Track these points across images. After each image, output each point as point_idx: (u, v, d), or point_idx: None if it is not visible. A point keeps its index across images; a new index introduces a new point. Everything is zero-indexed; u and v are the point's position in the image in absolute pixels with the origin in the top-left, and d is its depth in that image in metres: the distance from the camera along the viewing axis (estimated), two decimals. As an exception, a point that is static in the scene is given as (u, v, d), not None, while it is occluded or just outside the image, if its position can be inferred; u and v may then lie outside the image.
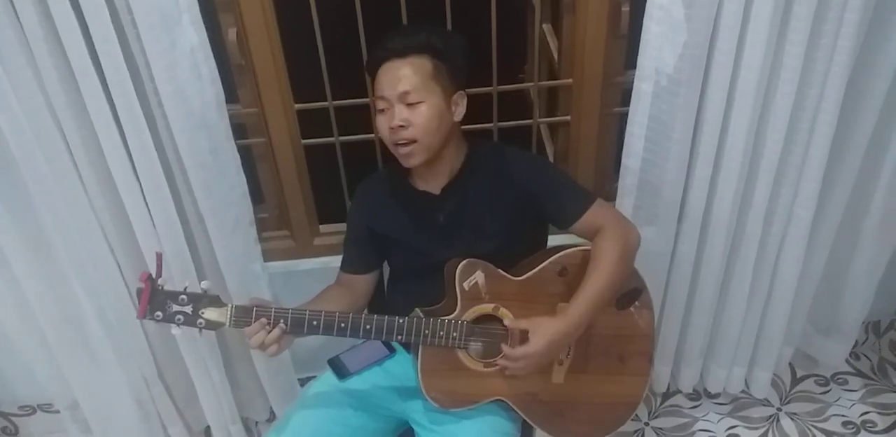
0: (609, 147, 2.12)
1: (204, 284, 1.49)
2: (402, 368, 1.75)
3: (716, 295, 2.13)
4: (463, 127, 1.72)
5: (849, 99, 1.82)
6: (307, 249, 2.18)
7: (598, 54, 1.93)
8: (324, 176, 2.16)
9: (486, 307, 1.61)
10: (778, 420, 2.36)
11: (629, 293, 1.71)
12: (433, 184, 1.69)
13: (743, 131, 1.81)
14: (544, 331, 1.54)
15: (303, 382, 2.29)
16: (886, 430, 2.30)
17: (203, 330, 1.49)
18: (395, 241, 1.75)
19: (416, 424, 1.71)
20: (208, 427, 2.29)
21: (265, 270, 2.06)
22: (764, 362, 2.30)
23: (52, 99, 1.65)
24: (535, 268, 1.63)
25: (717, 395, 2.42)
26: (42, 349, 2.02)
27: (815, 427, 2.33)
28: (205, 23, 1.65)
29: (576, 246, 1.67)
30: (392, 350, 1.79)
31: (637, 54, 1.77)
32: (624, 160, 1.93)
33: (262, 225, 2.11)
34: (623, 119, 1.90)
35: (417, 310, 1.64)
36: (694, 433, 2.35)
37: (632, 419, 1.81)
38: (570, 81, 2.02)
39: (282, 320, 1.50)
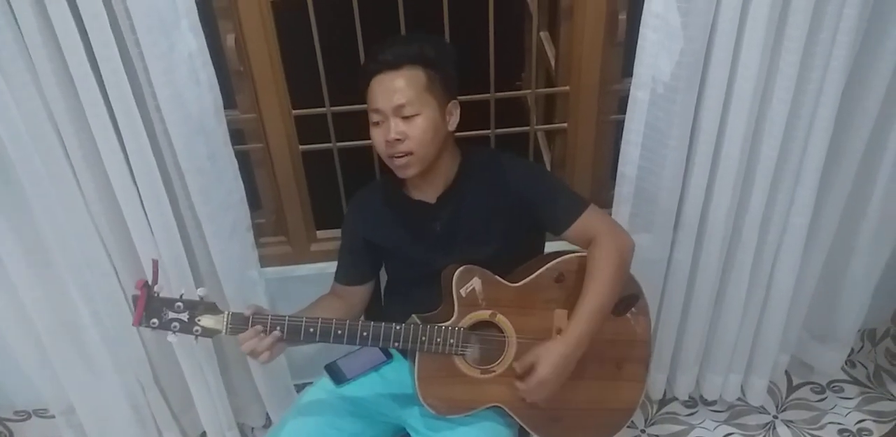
0: (606, 154, 2.12)
1: (200, 291, 1.49)
2: (399, 374, 1.75)
3: (712, 302, 2.14)
4: (460, 134, 1.72)
5: (844, 106, 1.83)
6: (304, 254, 2.18)
7: (594, 62, 1.94)
8: (321, 182, 2.17)
9: (483, 314, 1.60)
10: (774, 428, 2.36)
11: (626, 300, 1.70)
12: (428, 193, 1.69)
13: (739, 139, 1.81)
14: (549, 358, 1.54)
15: (299, 388, 2.29)
16: (882, 438, 2.31)
17: (199, 337, 1.49)
18: (392, 251, 1.74)
19: (412, 430, 1.71)
20: (204, 433, 2.28)
21: (262, 275, 2.06)
22: (760, 370, 2.30)
23: (49, 103, 1.65)
24: (531, 274, 1.63)
25: (714, 402, 2.42)
26: (38, 354, 2.01)
27: (811, 435, 2.33)
28: (203, 29, 1.65)
29: (572, 252, 1.67)
30: (389, 356, 1.79)
31: (633, 62, 1.78)
32: (620, 168, 1.94)
33: (259, 231, 2.11)
34: (620, 126, 1.91)
35: (414, 317, 1.64)
36: (690, 440, 2.35)
37: (628, 427, 1.81)
38: (567, 88, 2.03)
39: (278, 328, 1.50)
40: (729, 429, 2.37)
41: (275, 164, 2.02)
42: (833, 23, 1.66)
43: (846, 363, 2.51)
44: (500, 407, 1.65)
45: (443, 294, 1.62)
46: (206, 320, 1.48)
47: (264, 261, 2.09)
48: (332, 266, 1.84)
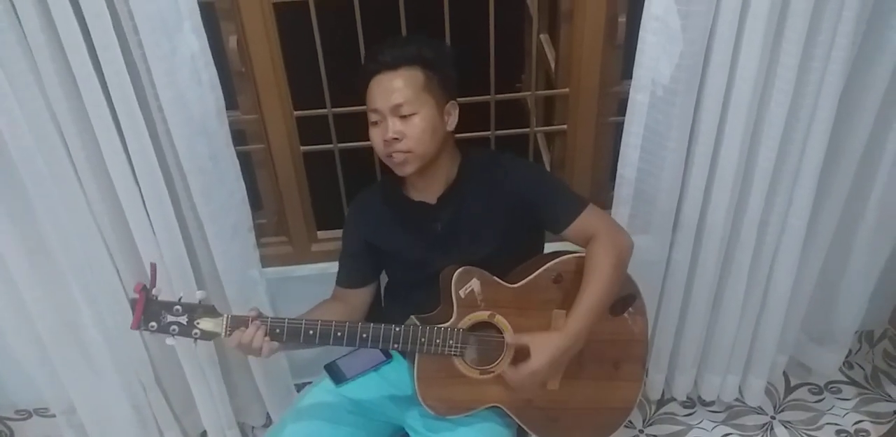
0: (605, 156, 2.13)
1: (199, 294, 1.49)
2: (398, 374, 1.76)
3: (710, 303, 2.14)
4: (460, 136, 1.73)
5: (843, 108, 1.83)
6: (305, 255, 2.19)
7: (594, 64, 1.94)
8: (322, 182, 2.17)
9: (482, 315, 1.61)
10: (772, 429, 2.37)
11: (623, 299, 1.71)
12: (428, 194, 1.70)
13: (737, 141, 1.82)
14: (545, 347, 1.54)
15: (299, 387, 2.30)
16: (879, 439, 2.32)
17: (198, 340, 1.49)
18: (393, 252, 1.75)
19: (411, 430, 1.72)
20: (205, 432, 2.29)
21: (263, 276, 2.07)
22: (758, 370, 2.31)
23: (52, 103, 1.66)
24: (530, 275, 1.64)
25: (712, 403, 2.42)
26: (39, 354, 2.01)
27: (809, 436, 2.34)
28: (206, 30, 1.66)
29: (571, 253, 1.68)
30: (389, 356, 1.79)
31: (633, 64, 1.78)
32: (620, 170, 1.94)
33: (260, 231, 2.12)
34: (619, 128, 1.91)
35: (413, 318, 1.64)
36: (688, 440, 2.36)
37: (626, 427, 1.82)
38: (566, 90, 2.03)
39: (277, 330, 1.50)
40: (727, 430, 2.37)
41: (276, 164, 2.03)
42: (831, 25, 1.67)
43: (844, 365, 2.51)
44: (498, 407, 1.66)
45: (442, 295, 1.63)
46: (205, 324, 1.48)
47: (265, 261, 2.09)
48: (333, 266, 1.84)
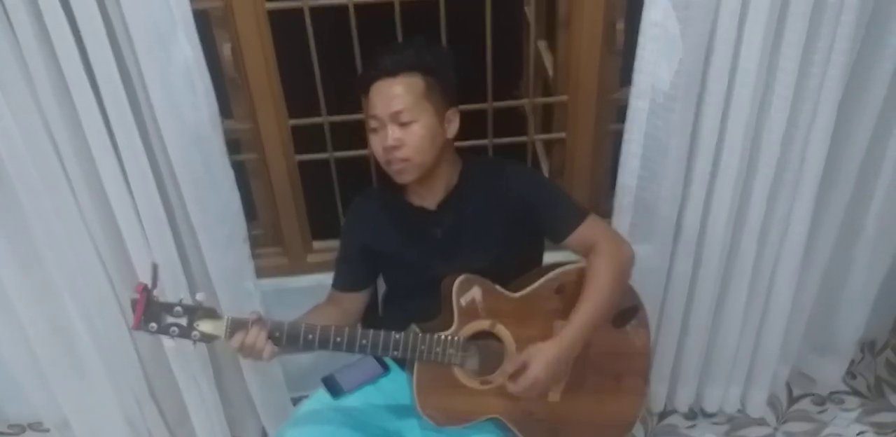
0: (604, 163, 2.12)
1: (199, 296, 1.49)
2: (396, 385, 1.74)
3: (711, 313, 2.13)
4: (458, 143, 1.72)
5: (843, 114, 1.83)
6: (300, 266, 2.17)
7: (592, 71, 1.94)
8: (318, 192, 2.16)
9: (483, 324, 1.60)
10: (775, 440, 2.35)
11: (626, 311, 1.71)
12: (429, 200, 1.69)
13: (738, 147, 1.81)
14: (541, 357, 1.54)
15: (296, 401, 2.27)
16: (883, 449, 2.30)
17: (197, 343, 1.48)
18: (392, 257, 1.74)
19: (410, 443, 1.70)
20: (199, 446, 2.26)
21: (258, 287, 2.05)
22: (760, 382, 2.30)
23: (44, 110, 1.65)
24: (531, 285, 1.63)
25: (714, 414, 2.40)
26: (32, 367, 2.00)
27: (812, 447, 2.32)
28: (200, 38, 1.65)
29: (572, 263, 1.67)
30: (386, 368, 1.77)
31: (631, 71, 1.78)
32: (620, 178, 1.93)
33: (255, 241, 2.09)
34: (618, 136, 1.91)
35: (413, 326, 1.63)
36: (690, 452, 2.34)
37: (629, 439, 1.79)
38: (565, 97, 2.03)
39: (277, 333, 1.49)
40: (729, 441, 2.36)
41: (271, 174, 2.02)
42: (830, 30, 1.67)
43: (846, 375, 2.49)
44: (498, 419, 1.64)
45: (442, 303, 1.61)
46: (205, 326, 1.47)
47: (260, 272, 2.08)
48: (329, 277, 1.83)
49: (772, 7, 1.62)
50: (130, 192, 1.75)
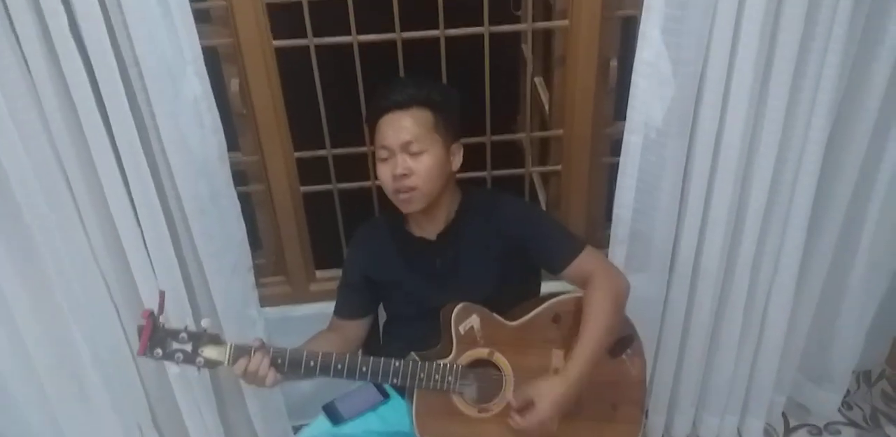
0: (599, 195, 2.16)
1: (204, 322, 1.51)
2: (396, 413, 1.74)
3: (707, 343, 2.14)
4: (458, 175, 1.76)
5: (831, 149, 1.87)
6: (303, 294, 2.20)
7: (587, 106, 1.98)
8: (321, 222, 2.19)
9: (482, 352, 1.62)
10: (772, 470, 2.35)
11: (621, 341, 1.72)
12: (429, 230, 1.72)
13: (729, 182, 1.85)
14: (548, 396, 1.55)
15: (297, 429, 2.27)
16: (880, 480, 2.29)
17: (202, 368, 1.50)
18: (393, 286, 1.77)
19: (409, 470, 1.71)
20: (200, 474, 2.26)
21: (261, 314, 2.07)
22: (756, 411, 2.30)
23: (56, 144, 1.68)
24: (529, 313, 1.65)
25: (711, 444, 2.40)
26: (38, 397, 1.99)
27: (809, 477, 2.32)
28: (208, 73, 1.69)
29: (569, 293, 1.69)
30: (386, 396, 1.78)
31: (625, 106, 1.82)
32: (616, 210, 1.96)
33: (259, 271, 2.12)
34: (612, 168, 1.94)
35: (413, 354, 1.65)
36: (688, 482, 2.33)
37: (625, 468, 1.79)
38: (560, 131, 2.07)
39: (279, 360, 1.51)
40: (726, 471, 2.35)
41: (276, 205, 2.05)
42: (816, 71, 1.71)
43: (843, 405, 2.49)
44: (496, 447, 1.65)
45: (442, 332, 1.63)
46: (210, 352, 1.50)
47: (264, 301, 2.10)
48: (331, 306, 1.85)
49: (760, 47, 1.66)
50: (138, 221, 1.77)
